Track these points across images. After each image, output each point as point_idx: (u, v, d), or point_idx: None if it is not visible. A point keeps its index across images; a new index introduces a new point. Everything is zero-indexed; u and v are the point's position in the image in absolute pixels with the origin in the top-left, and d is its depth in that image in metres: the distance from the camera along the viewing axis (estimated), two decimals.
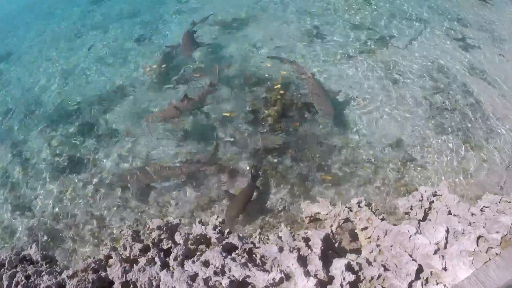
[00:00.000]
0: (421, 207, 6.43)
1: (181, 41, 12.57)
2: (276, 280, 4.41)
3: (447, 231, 5.66)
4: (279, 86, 10.97)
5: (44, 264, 5.62)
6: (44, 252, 5.89)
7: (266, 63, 12.25)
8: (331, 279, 4.74)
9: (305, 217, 6.99)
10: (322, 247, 5.09)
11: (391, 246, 5.46)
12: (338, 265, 4.81)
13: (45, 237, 8.41)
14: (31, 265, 5.51)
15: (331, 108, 9.98)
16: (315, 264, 4.80)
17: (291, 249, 4.88)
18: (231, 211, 7.79)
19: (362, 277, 4.93)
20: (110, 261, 5.36)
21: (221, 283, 4.44)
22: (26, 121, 11.51)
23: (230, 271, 4.62)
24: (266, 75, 11.85)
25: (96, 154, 10.03)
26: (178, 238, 5.34)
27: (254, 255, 5.10)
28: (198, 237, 5.41)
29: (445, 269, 5.13)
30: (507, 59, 13.28)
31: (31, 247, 5.89)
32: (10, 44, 16.49)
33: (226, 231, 5.47)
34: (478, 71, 12.37)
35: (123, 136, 10.37)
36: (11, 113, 12.01)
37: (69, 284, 4.89)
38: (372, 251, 5.58)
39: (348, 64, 12.38)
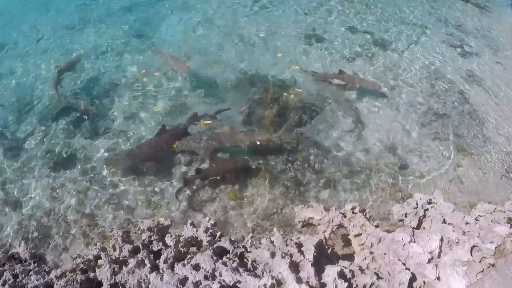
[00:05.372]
0: (415, 214, 6.38)
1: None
2: (268, 286, 4.34)
3: (441, 240, 5.63)
4: (295, 92, 10.99)
5: (32, 263, 5.51)
6: (32, 251, 5.80)
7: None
8: (323, 286, 4.68)
9: (298, 222, 6.93)
10: (315, 253, 5.03)
11: (385, 254, 5.42)
12: (330, 273, 4.76)
13: (35, 234, 8.27)
14: (19, 264, 5.41)
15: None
16: (307, 271, 4.74)
17: (283, 255, 4.82)
18: None
19: (354, 285, 4.88)
20: (99, 261, 5.27)
21: None
22: (18, 115, 11.32)
23: (220, 275, 4.54)
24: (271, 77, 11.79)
25: (88, 150, 9.89)
26: (168, 240, 5.26)
27: (245, 260, 5.03)
28: (189, 239, 5.33)
29: (438, 278, 5.10)
30: (504, 66, 13.31)
31: (19, 245, 5.79)
32: (3, 35, 16.27)
33: (218, 234, 5.40)
34: (476, 78, 12.38)
35: (116, 133, 10.24)
36: (3, 106, 11.83)
37: (57, 284, 4.81)
38: (365, 258, 5.53)
39: (346, 68, 12.34)
